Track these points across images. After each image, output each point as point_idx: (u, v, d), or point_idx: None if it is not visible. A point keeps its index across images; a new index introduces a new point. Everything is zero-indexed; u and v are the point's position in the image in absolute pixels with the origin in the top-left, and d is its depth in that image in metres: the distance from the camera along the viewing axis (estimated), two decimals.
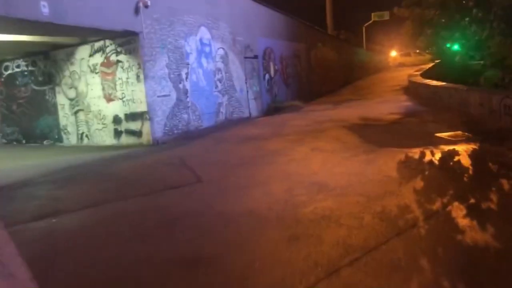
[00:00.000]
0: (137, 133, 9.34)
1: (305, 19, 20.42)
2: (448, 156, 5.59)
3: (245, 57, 13.36)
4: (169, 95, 9.61)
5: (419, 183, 4.59)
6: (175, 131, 9.74)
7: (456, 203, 3.89)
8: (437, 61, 29.33)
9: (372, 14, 41.24)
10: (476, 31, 8.16)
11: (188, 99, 10.28)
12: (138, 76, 9.09)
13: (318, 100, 17.39)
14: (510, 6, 6.06)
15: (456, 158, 5.46)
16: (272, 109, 14.65)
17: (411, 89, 14.97)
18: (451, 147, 6.02)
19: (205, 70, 11.14)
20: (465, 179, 4.63)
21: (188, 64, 10.37)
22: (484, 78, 13.52)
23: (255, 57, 14.12)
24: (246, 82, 13.33)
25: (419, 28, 10.42)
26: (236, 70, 12.77)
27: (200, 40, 10.96)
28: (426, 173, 4.96)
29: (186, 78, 10.27)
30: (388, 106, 11.85)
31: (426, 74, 18.13)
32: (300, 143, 7.43)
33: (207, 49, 11.27)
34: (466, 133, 6.95)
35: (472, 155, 5.48)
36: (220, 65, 11.93)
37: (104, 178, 6.27)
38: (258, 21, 14.54)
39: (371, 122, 9.20)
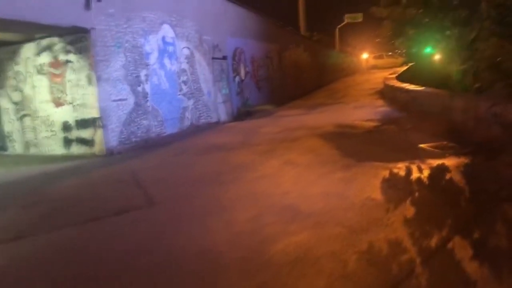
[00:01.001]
0: (89, 142, 8.38)
1: (278, 19, 19.80)
2: (439, 173, 4.97)
3: (213, 58, 12.56)
4: (126, 99, 8.70)
5: (409, 209, 3.92)
6: (133, 139, 8.83)
7: (457, 238, 3.23)
8: (411, 64, 29.44)
9: (345, 15, 41.29)
10: (460, 32, 7.66)
11: (148, 104, 9.39)
12: (89, 78, 8.14)
13: (291, 104, 16.76)
14: (503, 5, 5.55)
15: (448, 176, 4.84)
16: (242, 114, 13.89)
17: (387, 93, 14.53)
18: (439, 162, 5.41)
19: (168, 72, 10.28)
20: (462, 203, 4.00)
21: (148, 65, 9.48)
22: (458, 81, 13.22)
23: (224, 58, 13.34)
24: (214, 85, 12.53)
25: (399, 28, 9.91)
26: (203, 72, 11.95)
27: (163, 38, 10.09)
28: (416, 195, 4.31)
29: (146, 80, 9.38)
30: (364, 111, 11.29)
31: (402, 77, 17.81)
32: (271, 155, 6.69)
33: (170, 48, 10.41)
34: (453, 144, 6.38)
35: (466, 173, 4.88)
36: (185, 66, 11.08)
37: (37, 199, 5.34)
38: (227, 19, 13.77)
39: (347, 130, 8.57)
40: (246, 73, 15.22)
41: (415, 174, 4.99)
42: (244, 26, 15.22)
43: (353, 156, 6.08)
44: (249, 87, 15.30)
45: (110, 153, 8.19)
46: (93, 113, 8.21)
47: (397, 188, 4.54)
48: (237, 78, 14.27)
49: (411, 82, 14.73)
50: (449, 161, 5.41)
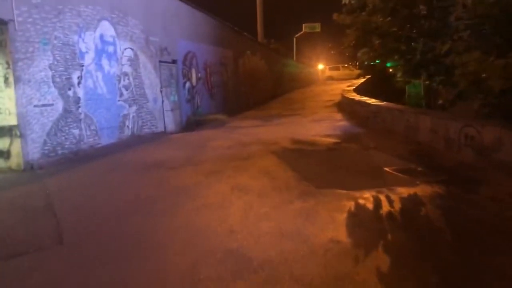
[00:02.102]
0: (4, 154, 7.14)
1: (234, 24, 19.06)
2: (412, 208, 4.30)
3: (161, 61, 11.57)
4: (52, 105, 7.54)
5: (383, 259, 3.19)
6: (60, 152, 7.68)
7: None
8: (368, 76, 29.64)
9: (304, 25, 41.35)
10: (428, 44, 7.20)
11: (80, 110, 8.27)
12: (6, 79, 6.94)
13: (246, 114, 15.99)
14: (484, 16, 5.06)
15: (423, 212, 4.18)
16: (192, 123, 12.95)
17: (346, 106, 14.11)
18: (411, 191, 4.77)
19: (107, 74, 9.19)
20: (445, 253, 3.31)
21: (82, 65, 8.37)
22: (418, 97, 12.99)
23: (174, 62, 12.37)
24: (161, 91, 11.52)
25: (363, 37, 9.40)
26: (148, 76, 10.92)
27: (101, 37, 9.00)
28: (389, 237, 3.59)
29: (79, 83, 8.26)
30: (323, 126, 10.70)
31: (359, 90, 17.57)
32: (218, 176, 5.82)
33: (110, 48, 9.34)
34: (422, 169, 5.80)
35: (443, 208, 4.24)
36: (128, 69, 10.02)
37: None
38: (178, 20, 12.82)
39: (305, 147, 7.86)
40: (198, 79, 14.30)
41: (385, 208, 4.30)
42: (197, 29, 14.33)
43: (312, 181, 5.34)
44: (200, 94, 14.37)
45: (29, 168, 7.00)
46: (10, 119, 7.00)
47: (365, 226, 3.81)
48: (187, 84, 13.31)
49: (369, 95, 14.46)
50: (422, 191, 4.78)
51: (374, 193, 4.72)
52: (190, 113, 13.41)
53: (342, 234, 3.64)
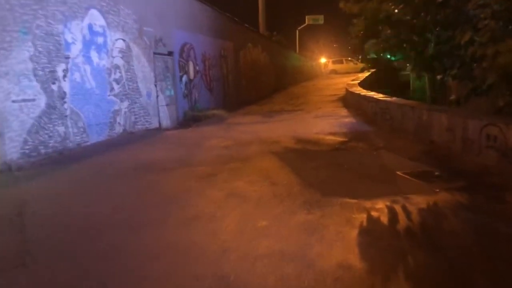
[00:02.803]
0: None
1: (235, 15, 18.45)
2: (433, 222, 3.76)
3: (156, 53, 11.02)
4: (33, 100, 7.01)
5: None
6: (43, 151, 7.16)
7: None
8: (373, 70, 28.97)
9: (307, 17, 40.64)
10: (443, 35, 6.64)
11: (66, 106, 7.74)
12: None
13: (246, 109, 15.43)
14: None
15: (446, 226, 3.65)
16: (190, 119, 12.40)
17: (352, 102, 13.54)
18: (429, 200, 4.23)
19: (96, 68, 8.65)
20: (476, 278, 2.78)
21: (68, 58, 7.83)
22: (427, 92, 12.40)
23: (170, 53, 11.81)
24: (156, 85, 10.98)
25: (372, 27, 8.82)
26: (142, 69, 10.38)
27: (89, 27, 8.45)
28: (410, 260, 3.06)
29: (64, 76, 7.73)
30: (328, 122, 10.15)
31: (365, 85, 17.00)
32: (213, 181, 5.30)
33: (99, 39, 8.79)
34: (438, 173, 5.26)
35: (468, 222, 3.70)
36: (119, 61, 9.48)
37: None
38: (174, 9, 12.25)
39: (309, 146, 7.32)
40: (196, 72, 13.75)
41: (402, 222, 3.77)
42: (195, 19, 13.75)
43: (317, 187, 4.80)
44: (198, 88, 13.82)
45: (7, 169, 6.47)
46: None
47: (381, 246, 3.28)
48: (184, 78, 12.76)
49: (374, 90, 13.89)
50: (442, 201, 4.24)
51: (388, 203, 4.19)
52: (187, 109, 12.87)
53: (354, 257, 3.11)
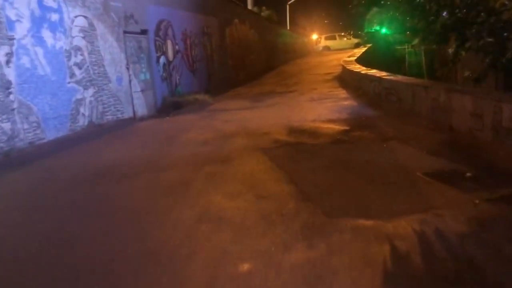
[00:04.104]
0: None
1: None
2: (483, 259, 2.68)
3: (126, 32, 9.75)
4: None
5: None
6: None
7: None
8: (368, 45, 27.68)
9: None
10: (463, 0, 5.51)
11: (12, 97, 6.54)
12: None
13: (234, 92, 14.23)
14: None
15: (504, 266, 2.58)
16: (169, 105, 11.20)
17: (350, 81, 12.39)
18: (471, 218, 3.15)
19: (50, 50, 7.41)
20: None
21: (12, 39, 6.59)
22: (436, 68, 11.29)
23: (143, 32, 10.53)
24: (128, 68, 9.74)
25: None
26: (109, 51, 9.12)
27: (39, 1, 7.17)
28: None
29: (8, 62, 6.50)
30: (325, 106, 9.01)
31: (362, 61, 15.83)
32: (182, 193, 4.18)
33: (53, 16, 7.51)
34: (471, 174, 4.18)
35: None
36: (80, 42, 8.21)
37: None
38: None
39: (305, 139, 6.19)
40: (176, 52, 12.47)
41: (441, 257, 2.69)
42: None
43: (318, 201, 3.71)
44: (179, 70, 12.57)
45: None
46: None
47: None
48: (162, 59, 11.50)
49: (370, 66, 12.75)
50: (487, 218, 3.17)
51: (415, 226, 3.11)
52: (167, 94, 11.65)
53: None
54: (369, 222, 3.22)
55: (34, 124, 6.97)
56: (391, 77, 8.46)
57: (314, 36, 49.43)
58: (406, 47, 20.45)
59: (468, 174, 4.20)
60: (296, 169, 4.69)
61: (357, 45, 35.96)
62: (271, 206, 3.66)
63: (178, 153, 5.81)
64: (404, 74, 11.22)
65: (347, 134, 6.31)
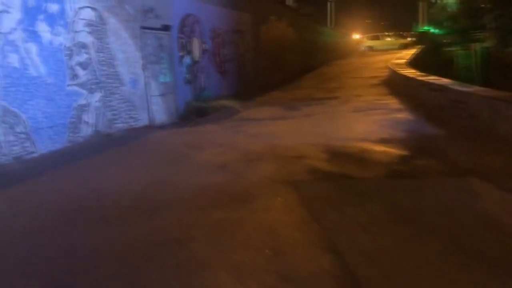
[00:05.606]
0: None
1: None
2: None
3: (144, 28, 8.59)
4: None
5: None
6: None
7: None
8: (418, 47, 25.69)
9: None
10: None
11: None
12: None
13: (266, 96, 12.87)
14: None
15: None
16: (192, 111, 10.02)
17: (401, 87, 10.79)
18: None
19: (46, 47, 6.31)
20: None
21: None
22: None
23: (165, 28, 9.36)
24: (143, 69, 8.58)
25: None
26: (123, 49, 7.98)
27: None
28: None
29: None
30: (373, 119, 7.52)
31: (413, 64, 14.16)
32: (170, 259, 2.87)
33: (51, 7, 6.42)
34: None
35: None
36: (86, 38, 7.11)
37: None
38: None
39: (351, 168, 4.75)
40: (203, 52, 11.27)
41: None
42: None
43: None
44: (206, 72, 11.35)
45: None
46: None
47: None
48: (186, 59, 10.31)
49: (421, 70, 11.13)
50: None
51: None
52: (191, 98, 10.46)
53: None
54: None
55: (22, 136, 5.87)
56: (460, 87, 6.87)
57: (356, 36, 47.53)
58: (457, 48, 18.58)
59: None
60: (339, 223, 3.29)
61: (403, 46, 33.91)
62: None
63: (185, 182, 4.51)
64: (454, 78, 9.63)
65: (407, 163, 4.84)
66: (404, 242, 2.99)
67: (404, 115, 7.73)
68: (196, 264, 2.80)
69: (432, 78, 8.50)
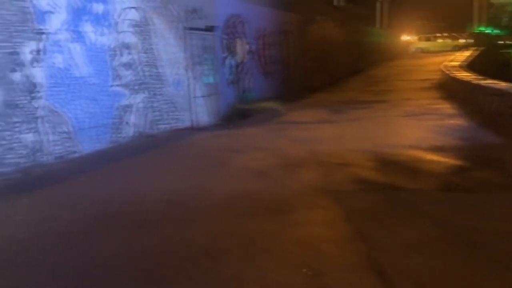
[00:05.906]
0: None
1: None
2: None
3: (189, 28, 8.53)
4: None
5: None
6: None
7: None
8: (477, 48, 24.42)
9: None
10: None
11: (37, 103, 5.53)
12: None
13: (311, 98, 12.56)
14: None
15: None
16: (235, 113, 9.88)
17: (455, 91, 10.18)
18: None
19: (91, 47, 6.36)
20: None
21: (42, 33, 5.58)
22: None
23: (210, 29, 9.26)
24: (188, 70, 8.52)
25: None
26: (167, 50, 7.97)
27: None
28: None
29: (35, 60, 5.50)
30: (425, 125, 7.08)
31: (470, 67, 13.38)
32: (199, 277, 2.68)
33: (97, 8, 6.46)
34: None
35: None
36: (131, 38, 7.13)
37: None
38: None
39: (400, 179, 4.39)
40: (248, 53, 11.12)
41: None
42: None
43: None
44: (250, 73, 11.18)
45: None
46: None
47: None
48: (230, 61, 10.18)
49: (477, 73, 10.44)
50: None
51: None
52: (234, 100, 10.32)
53: None
54: None
55: (64, 135, 5.93)
56: None
57: (406, 37, 46.01)
58: None
59: None
60: (387, 242, 2.99)
61: (456, 48, 32.41)
62: None
63: (221, 189, 4.34)
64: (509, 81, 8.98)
65: (463, 175, 4.43)
66: (460, 267, 2.65)
67: (459, 121, 7.21)
68: (226, 280, 2.60)
69: (489, 82, 7.91)
